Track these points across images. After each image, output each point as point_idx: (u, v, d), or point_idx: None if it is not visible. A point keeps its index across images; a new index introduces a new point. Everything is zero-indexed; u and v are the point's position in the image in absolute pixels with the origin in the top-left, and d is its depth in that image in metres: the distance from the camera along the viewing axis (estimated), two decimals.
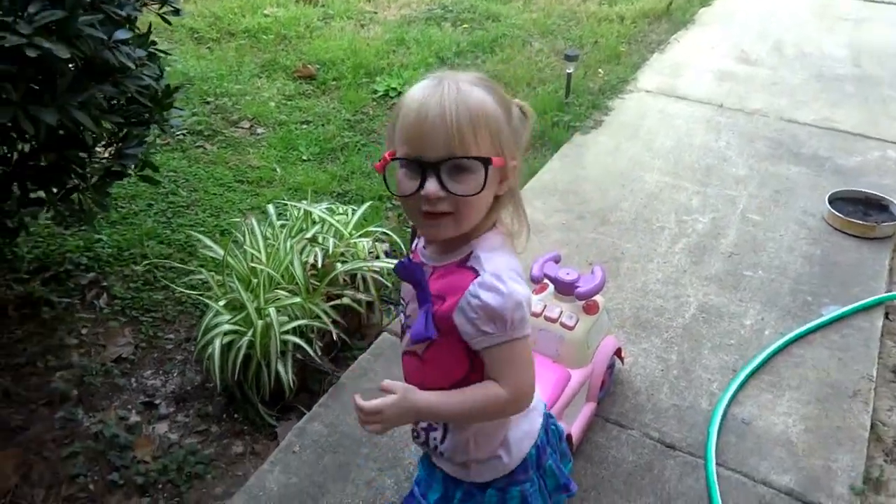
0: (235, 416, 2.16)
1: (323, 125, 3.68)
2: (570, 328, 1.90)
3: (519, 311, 1.09)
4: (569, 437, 1.83)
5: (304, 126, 3.69)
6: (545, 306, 1.94)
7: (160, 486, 1.96)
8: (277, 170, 3.30)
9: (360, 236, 2.33)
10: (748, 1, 5.42)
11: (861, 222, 2.86)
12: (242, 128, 3.67)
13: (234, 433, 2.12)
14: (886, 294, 2.56)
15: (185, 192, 3.12)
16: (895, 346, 2.44)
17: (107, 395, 2.21)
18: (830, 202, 2.95)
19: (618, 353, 2.12)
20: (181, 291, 2.43)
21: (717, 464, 1.93)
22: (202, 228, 2.89)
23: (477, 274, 1.10)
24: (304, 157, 3.42)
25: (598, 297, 1.97)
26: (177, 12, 2.08)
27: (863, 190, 3.07)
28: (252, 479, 1.90)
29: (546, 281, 1.98)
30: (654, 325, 2.41)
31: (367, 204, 2.57)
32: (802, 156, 3.40)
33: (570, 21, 4.89)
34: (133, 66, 1.68)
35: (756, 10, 5.20)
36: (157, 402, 2.20)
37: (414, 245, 1.30)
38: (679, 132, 3.58)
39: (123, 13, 1.68)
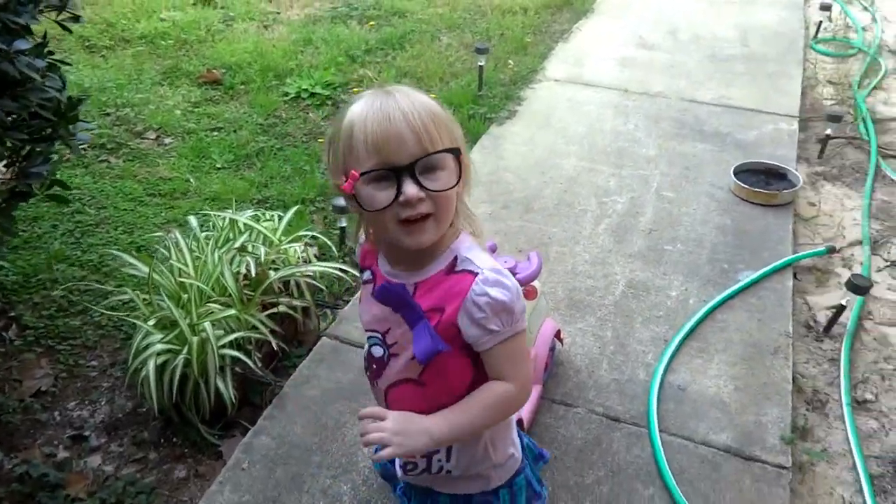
0: (174, 439, 2.07)
1: (235, 131, 3.57)
2: None
3: (521, 302, 1.10)
4: (520, 421, 1.86)
5: (215, 133, 3.57)
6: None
7: None
8: (191, 180, 3.18)
9: (289, 242, 2.27)
10: None
11: (764, 191, 3.03)
12: (148, 139, 3.51)
13: (174, 457, 2.03)
14: (793, 256, 2.73)
15: (92, 210, 2.96)
16: (805, 303, 2.61)
17: (28, 433, 2.07)
18: (735, 174, 3.12)
19: (557, 335, 2.18)
20: (102, 314, 2.31)
21: (660, 431, 2.01)
22: (116, 246, 2.75)
23: (475, 275, 1.09)
24: (219, 166, 3.31)
25: (535, 283, 2.00)
26: (76, 19, 1.96)
27: (763, 161, 3.25)
28: (201, 502, 1.83)
29: None
30: (587, 304, 2.48)
31: (294, 209, 2.51)
32: (705, 133, 3.57)
33: (476, 14, 4.94)
34: (38, 78, 1.57)
35: None
36: (86, 433, 2.08)
37: (366, 274, 1.26)
38: (590, 118, 3.69)
39: (22, 21, 1.57)
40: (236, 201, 2.93)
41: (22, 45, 1.53)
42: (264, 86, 3.96)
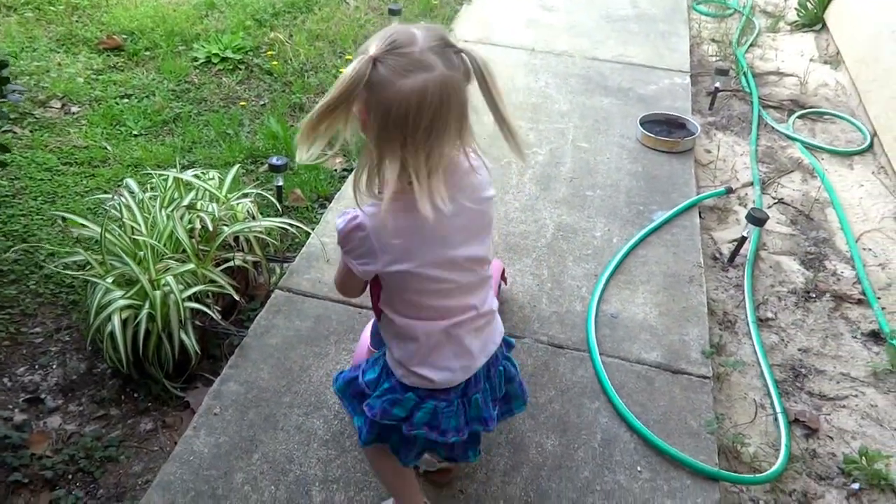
0: (135, 395, 2.08)
1: (147, 97, 3.47)
2: None
3: (345, 234, 1.29)
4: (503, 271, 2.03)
5: (125, 100, 3.45)
6: None
7: (70, 476, 1.86)
8: (108, 147, 3.08)
9: (238, 199, 2.29)
10: None
11: (667, 139, 3.31)
12: (53, 108, 3.35)
13: (138, 412, 2.04)
14: (697, 196, 3.01)
15: (5, 182, 2.82)
16: (710, 238, 2.90)
17: None
18: (641, 125, 3.38)
19: (502, 275, 2.32)
20: (58, 274, 2.25)
21: (599, 354, 2.22)
22: (38, 217, 2.65)
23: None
24: (135, 132, 3.22)
25: None
26: None
27: (664, 112, 3.53)
28: (178, 446, 1.86)
29: None
30: (522, 247, 2.65)
31: (235, 167, 2.52)
32: (610, 88, 3.82)
33: None
34: None
35: None
36: (41, 396, 2.05)
37: None
38: (503, 77, 3.83)
39: None
40: (161, 167, 2.88)
41: None
42: (171, 51, 3.85)
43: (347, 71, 1.12)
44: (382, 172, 1.18)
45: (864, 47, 3.89)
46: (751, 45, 4.48)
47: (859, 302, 2.60)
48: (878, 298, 2.60)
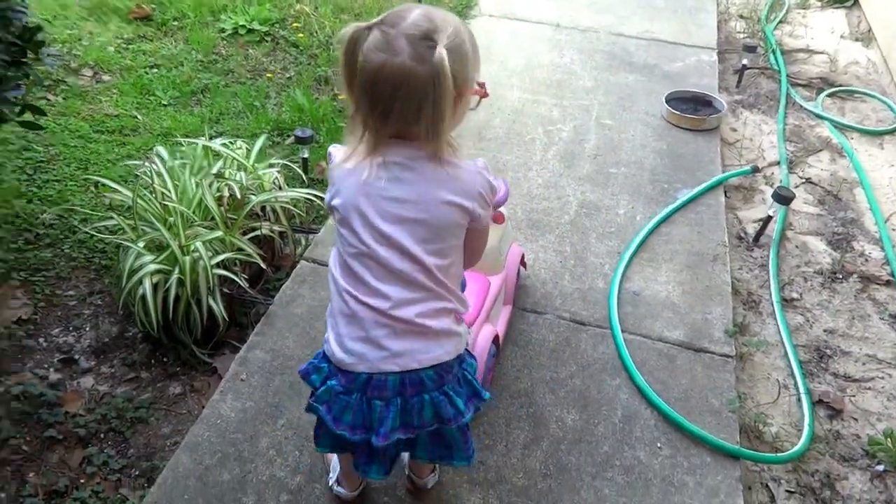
0: (165, 359, 2.13)
1: (175, 68, 3.50)
2: None
3: None
4: (496, 337, 1.95)
5: (155, 70, 3.48)
6: None
7: (102, 434, 1.92)
8: (139, 117, 3.12)
9: (264, 168, 2.32)
10: None
11: (693, 116, 3.28)
12: (85, 76, 3.39)
13: (167, 376, 2.09)
14: (723, 175, 2.99)
15: (40, 148, 2.87)
16: (735, 217, 2.88)
17: (16, 358, 2.08)
18: (666, 102, 3.35)
19: (521, 259, 2.27)
20: (91, 238, 2.30)
21: (621, 331, 2.23)
22: (73, 183, 2.70)
23: None
24: (164, 102, 3.25)
25: (503, 209, 2.00)
26: None
27: (690, 90, 3.49)
28: (206, 409, 1.91)
29: None
30: (545, 224, 2.65)
31: (263, 137, 2.54)
32: (635, 65, 3.78)
33: None
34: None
35: None
36: (75, 357, 2.11)
37: None
38: (527, 52, 3.82)
39: None
40: (189, 136, 2.91)
41: None
42: (199, 22, 3.86)
43: (345, 32, 1.22)
44: (355, 121, 1.28)
45: None
46: (780, 21, 4.40)
47: (888, 283, 2.58)
48: None
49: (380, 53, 1.18)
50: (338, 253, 1.36)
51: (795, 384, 2.19)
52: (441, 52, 1.16)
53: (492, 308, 1.97)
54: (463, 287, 1.49)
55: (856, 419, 2.13)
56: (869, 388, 2.21)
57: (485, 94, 1.34)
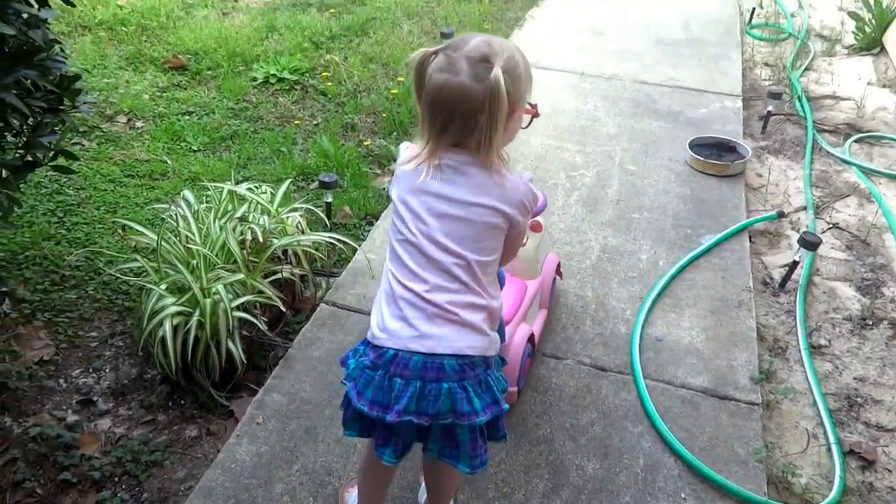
0: (182, 402, 2.13)
1: (207, 115, 3.60)
2: (523, 245, 2.03)
3: None
4: (532, 336, 2.09)
5: (187, 117, 3.58)
6: None
7: (117, 478, 1.91)
8: (168, 161, 3.21)
9: (287, 212, 2.35)
10: None
11: (717, 162, 3.27)
12: (119, 122, 3.50)
13: (184, 419, 2.09)
14: (747, 220, 2.95)
15: (71, 191, 2.95)
16: (760, 262, 2.84)
17: (36, 399, 2.10)
18: (690, 148, 3.34)
19: (557, 268, 2.39)
20: (115, 280, 2.34)
21: (643, 377, 2.19)
22: (101, 226, 2.77)
23: None
24: (194, 148, 3.34)
25: (540, 218, 2.15)
26: None
27: (714, 136, 3.49)
28: (221, 453, 1.90)
29: None
30: (567, 268, 2.63)
31: (287, 182, 2.59)
32: (659, 112, 3.79)
33: (431, 3, 5.06)
34: (56, 48, 1.62)
35: None
36: (93, 398, 2.12)
37: None
38: (552, 99, 3.86)
39: None
40: (217, 180, 2.98)
41: (48, 14, 1.57)
42: (231, 71, 3.99)
43: (414, 57, 1.39)
44: (422, 130, 1.43)
45: None
46: (805, 69, 4.40)
47: None
48: None
49: (443, 73, 1.34)
50: (390, 242, 1.49)
51: (825, 433, 2.12)
52: (497, 72, 1.30)
53: (528, 310, 2.11)
54: (501, 285, 1.62)
55: (889, 470, 2.04)
56: None
57: (536, 114, 1.51)
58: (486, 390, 1.44)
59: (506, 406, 1.50)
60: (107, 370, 2.20)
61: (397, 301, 1.42)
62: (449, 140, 1.39)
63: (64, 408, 2.08)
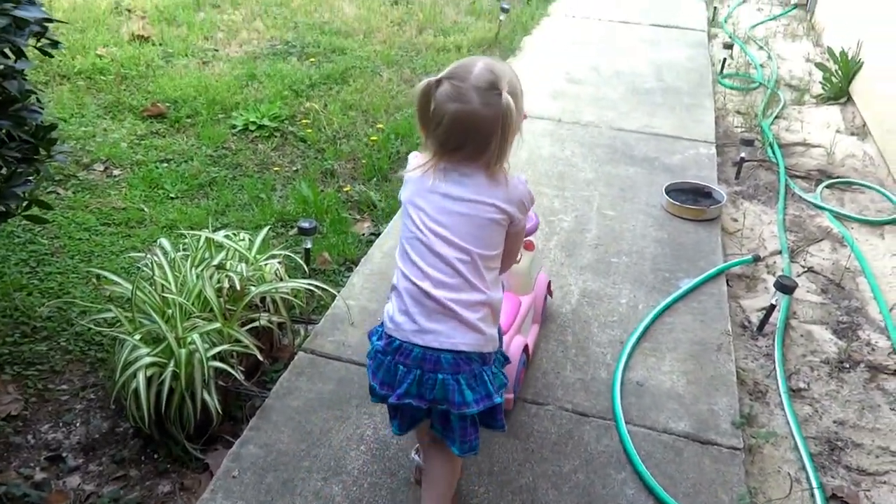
0: (155, 455, 2.07)
1: (185, 162, 3.59)
2: (517, 262, 2.15)
3: None
4: (526, 346, 2.22)
5: (165, 164, 3.58)
6: None
7: None
8: (145, 209, 3.19)
9: (266, 259, 2.34)
10: (562, 30, 6.01)
11: (693, 207, 3.31)
12: (96, 171, 3.48)
13: (157, 473, 2.03)
14: (724, 264, 2.98)
15: (45, 241, 2.91)
16: (738, 306, 2.86)
17: (2, 456, 2.03)
18: (667, 193, 3.39)
19: (548, 286, 2.52)
20: (88, 331, 2.30)
21: (625, 422, 2.17)
22: (74, 275, 2.73)
23: None
24: (172, 195, 3.32)
25: (532, 238, 2.30)
26: (55, 45, 2.00)
27: (689, 181, 3.55)
28: None
29: None
30: (546, 313, 2.63)
31: (266, 229, 2.58)
32: (635, 158, 3.86)
33: (412, 52, 5.16)
34: (36, 98, 1.61)
35: (570, 38, 5.78)
36: (63, 454, 2.06)
37: None
38: (530, 145, 3.91)
39: (21, 43, 1.62)
40: (194, 228, 2.96)
41: (24, 65, 1.57)
42: (211, 119, 4.00)
43: (419, 87, 1.52)
44: (425, 145, 1.58)
45: (892, 119, 3.89)
46: (776, 117, 4.51)
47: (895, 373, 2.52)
48: None
49: (454, 103, 1.47)
50: (400, 240, 1.62)
51: (807, 478, 2.10)
52: (507, 97, 1.46)
53: (522, 323, 2.24)
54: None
55: None
56: (884, 483, 2.12)
57: (525, 117, 1.62)
58: (480, 384, 1.58)
59: (499, 399, 1.62)
60: (77, 424, 2.14)
61: (403, 296, 1.57)
62: (460, 157, 1.52)
63: (31, 465, 2.01)
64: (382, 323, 1.65)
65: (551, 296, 2.61)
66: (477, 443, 1.63)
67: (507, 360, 1.81)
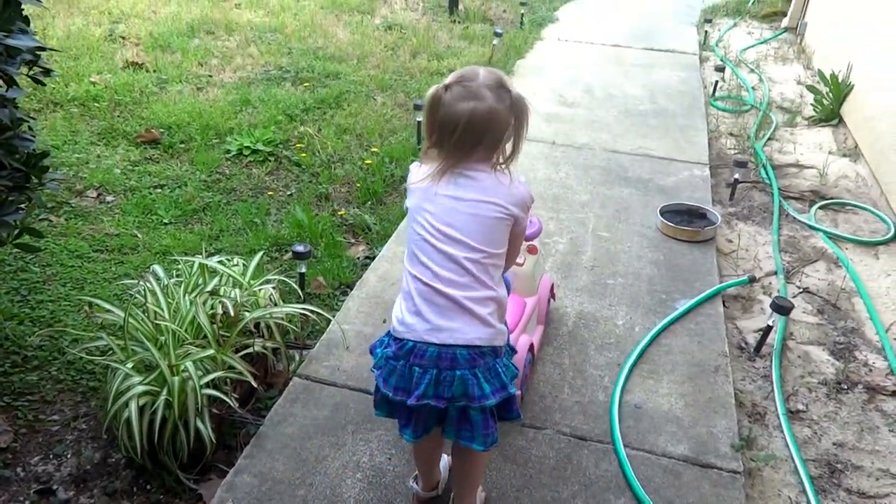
0: (148, 486, 2.03)
1: (179, 188, 3.59)
2: (521, 265, 2.34)
3: None
4: (531, 345, 2.31)
5: (159, 190, 3.57)
6: None
7: None
8: (139, 235, 3.17)
9: (260, 285, 2.32)
10: (555, 54, 6.07)
11: (688, 228, 3.32)
12: (89, 197, 3.47)
13: None
14: (720, 285, 2.98)
15: (37, 268, 2.89)
16: (735, 327, 2.85)
17: None
18: (661, 214, 3.40)
19: (551, 289, 2.63)
20: (80, 359, 2.27)
21: (624, 446, 2.15)
22: (66, 303, 2.70)
23: None
24: (166, 221, 3.31)
25: (535, 242, 2.38)
26: (48, 73, 2.00)
27: (684, 202, 3.55)
28: None
29: None
30: (543, 335, 2.62)
31: (260, 254, 2.56)
32: (630, 179, 3.87)
33: (405, 76, 5.19)
34: (28, 126, 1.61)
35: (564, 61, 5.84)
36: (53, 487, 2.01)
37: None
38: (524, 168, 3.92)
39: (12, 72, 1.61)
40: (188, 254, 2.94)
41: (15, 94, 1.57)
42: (205, 144, 4.00)
43: (428, 94, 1.57)
44: (430, 154, 1.63)
45: (883, 140, 3.92)
46: (769, 138, 4.55)
47: (894, 394, 2.50)
48: None
49: (469, 101, 1.52)
50: (408, 243, 1.65)
51: (808, 502, 2.08)
52: (518, 92, 1.55)
53: (527, 323, 2.33)
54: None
55: None
56: None
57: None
58: (495, 376, 1.62)
59: (513, 390, 1.68)
60: (68, 455, 2.11)
61: (413, 297, 1.61)
62: (472, 159, 1.57)
63: (21, 498, 1.97)
64: (387, 333, 1.68)
65: (554, 299, 2.70)
66: (496, 434, 1.68)
67: (515, 351, 1.87)
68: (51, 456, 2.11)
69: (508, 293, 1.77)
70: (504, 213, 1.60)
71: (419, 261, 1.61)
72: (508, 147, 1.61)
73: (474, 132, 1.53)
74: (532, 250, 2.40)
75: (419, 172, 1.64)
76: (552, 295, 2.66)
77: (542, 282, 2.54)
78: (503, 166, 1.60)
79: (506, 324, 1.71)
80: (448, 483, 1.97)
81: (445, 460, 2.00)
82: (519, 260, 2.34)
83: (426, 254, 1.60)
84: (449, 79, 1.57)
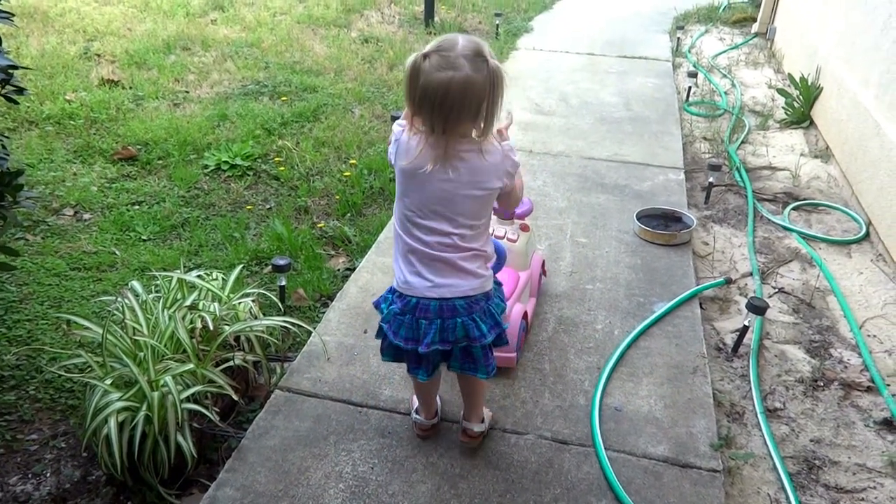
0: (129, 503, 2.02)
1: (157, 204, 3.58)
2: (514, 241, 2.56)
3: None
4: (525, 314, 2.53)
5: (136, 207, 3.56)
6: (494, 228, 2.57)
7: None
8: (117, 252, 3.15)
9: (239, 298, 2.32)
10: (531, 63, 6.13)
11: (664, 232, 3.36)
12: (66, 215, 3.45)
13: None
14: (697, 287, 3.02)
15: (13, 288, 2.87)
16: (712, 328, 2.89)
17: None
18: (638, 219, 3.44)
19: (542, 265, 2.84)
20: (58, 378, 2.24)
21: (605, 448, 2.17)
22: (44, 322, 2.68)
23: None
24: (144, 237, 3.30)
25: (527, 220, 2.61)
26: (21, 91, 2.00)
27: (660, 207, 3.60)
28: None
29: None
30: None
31: (239, 267, 2.56)
32: (606, 185, 3.91)
33: (382, 88, 5.22)
34: (1, 146, 1.61)
35: (539, 71, 5.90)
36: None
37: None
38: None
39: None
40: (167, 269, 2.93)
41: None
42: (182, 160, 4.00)
43: (408, 62, 1.61)
44: (416, 121, 1.70)
45: (852, 141, 4.00)
46: (742, 142, 4.62)
47: (868, 389, 2.55)
48: (888, 385, 2.56)
49: (447, 71, 1.56)
50: (398, 211, 1.79)
51: (787, 498, 2.11)
52: (494, 62, 1.59)
53: (521, 294, 2.54)
54: (499, 267, 2.07)
55: None
56: (862, 500, 2.13)
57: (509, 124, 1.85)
58: (489, 317, 1.86)
59: (506, 325, 1.95)
60: (48, 474, 2.09)
61: (411, 259, 1.79)
62: (457, 131, 1.64)
63: None
64: (389, 290, 1.89)
65: (545, 275, 2.93)
66: (495, 363, 1.95)
67: (500, 284, 2.03)
68: (29, 475, 2.09)
69: (502, 263, 2.04)
70: (491, 189, 1.74)
71: (411, 232, 1.77)
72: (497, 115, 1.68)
73: (453, 102, 1.58)
74: (524, 228, 2.60)
75: (409, 144, 1.70)
76: (543, 271, 2.88)
77: (533, 258, 2.75)
78: (488, 131, 1.67)
79: (500, 259, 1.97)
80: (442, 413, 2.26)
81: None
82: (513, 237, 2.55)
83: (419, 228, 1.76)
84: (428, 47, 1.60)
